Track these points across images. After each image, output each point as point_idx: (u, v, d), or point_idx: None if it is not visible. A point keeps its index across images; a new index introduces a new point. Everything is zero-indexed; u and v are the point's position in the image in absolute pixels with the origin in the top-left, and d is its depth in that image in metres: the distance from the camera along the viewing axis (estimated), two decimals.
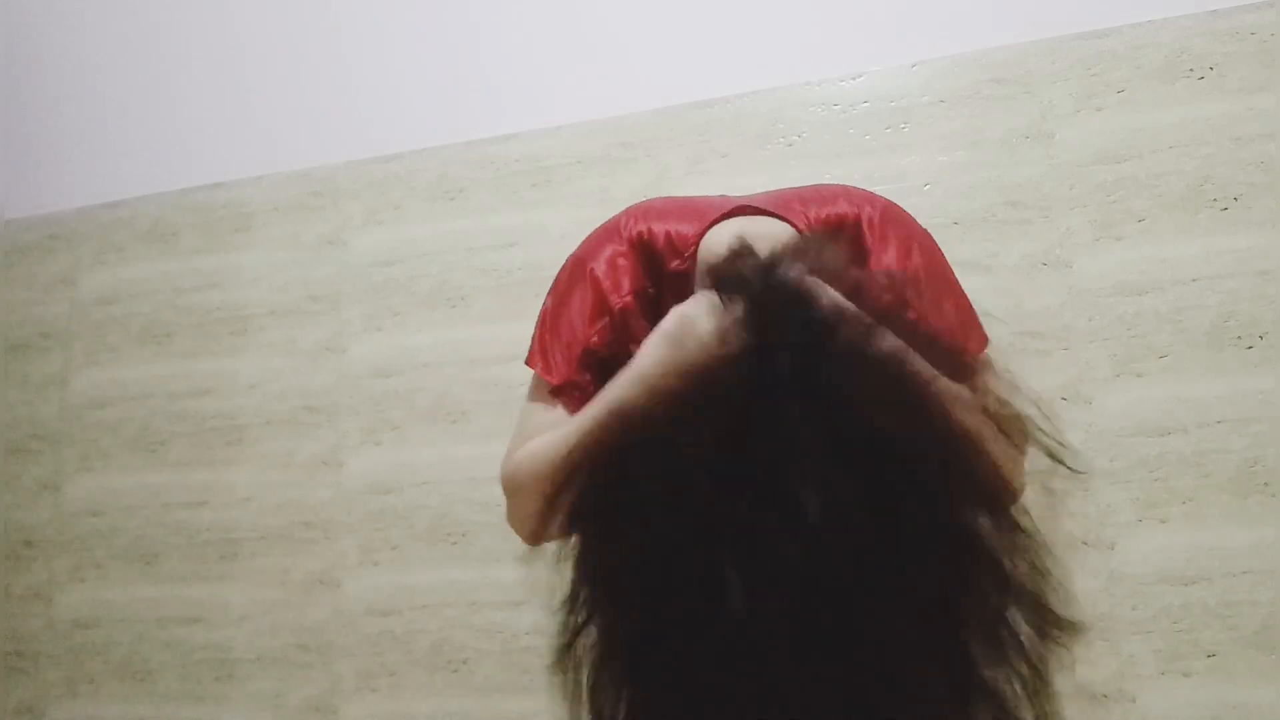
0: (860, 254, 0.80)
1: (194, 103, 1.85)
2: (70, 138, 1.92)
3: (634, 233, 0.83)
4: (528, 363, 0.84)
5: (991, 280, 1.38)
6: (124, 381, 1.79)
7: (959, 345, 0.76)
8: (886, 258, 0.80)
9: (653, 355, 0.63)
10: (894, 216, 0.84)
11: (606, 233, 0.85)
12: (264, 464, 1.68)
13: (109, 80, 1.91)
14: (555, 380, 0.80)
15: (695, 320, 0.60)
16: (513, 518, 0.82)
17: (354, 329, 1.68)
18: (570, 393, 0.80)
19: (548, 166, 1.62)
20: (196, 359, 1.75)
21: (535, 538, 0.79)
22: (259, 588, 1.65)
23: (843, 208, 0.82)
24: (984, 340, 0.83)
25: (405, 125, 1.72)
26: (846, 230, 0.81)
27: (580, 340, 0.80)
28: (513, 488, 0.80)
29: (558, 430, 0.75)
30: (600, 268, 0.82)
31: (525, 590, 1.52)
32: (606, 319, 0.81)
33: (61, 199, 1.90)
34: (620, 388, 0.65)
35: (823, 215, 0.81)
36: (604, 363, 0.79)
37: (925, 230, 0.86)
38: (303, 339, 1.70)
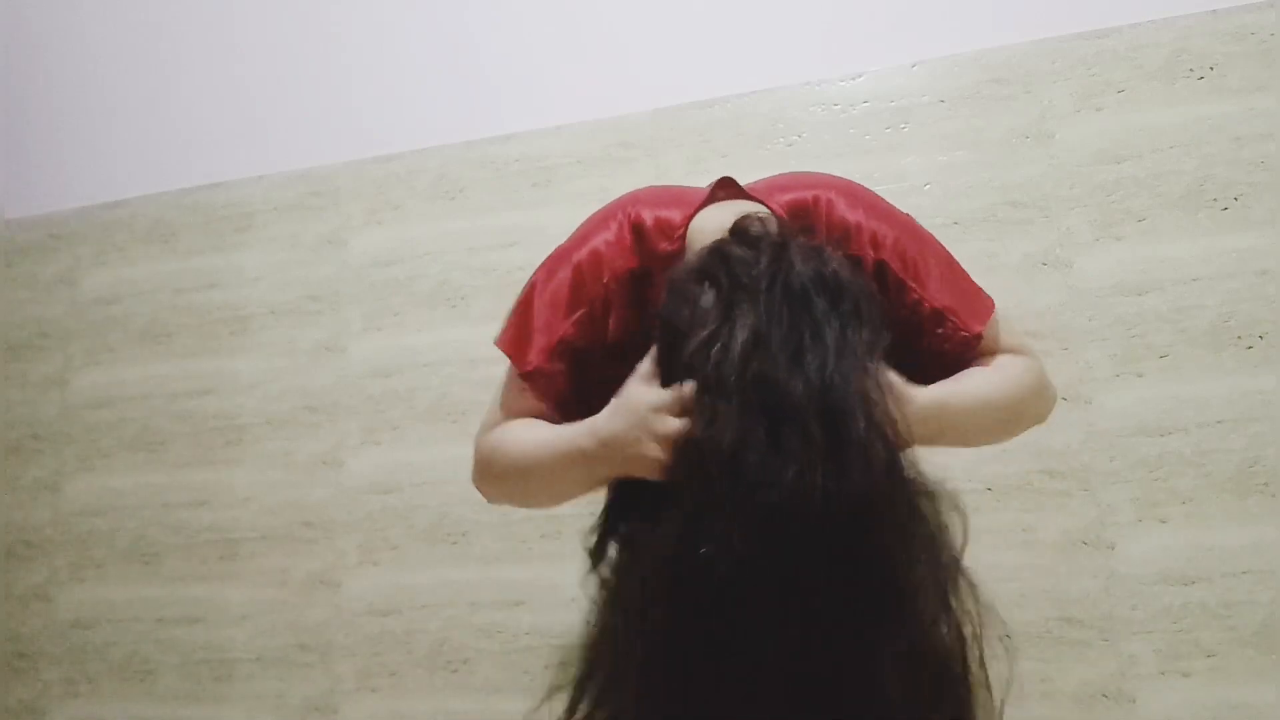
0: (831, 233, 0.81)
1: (194, 103, 1.85)
2: (70, 138, 1.92)
3: (624, 219, 0.84)
4: (497, 342, 0.86)
5: (991, 280, 1.37)
6: (124, 381, 1.79)
7: (963, 325, 0.81)
8: (864, 237, 0.81)
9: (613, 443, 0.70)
10: (865, 199, 0.84)
11: (594, 224, 0.86)
12: (264, 464, 1.68)
13: (109, 80, 1.91)
14: (525, 368, 0.83)
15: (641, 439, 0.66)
16: (479, 481, 0.88)
17: (354, 329, 1.68)
18: (539, 380, 0.83)
19: (548, 166, 1.62)
20: (196, 359, 1.75)
21: (493, 501, 0.89)
22: (259, 588, 1.65)
23: (809, 192, 0.83)
24: (989, 309, 0.86)
25: (405, 125, 1.72)
26: (810, 213, 0.82)
27: (556, 331, 0.82)
28: (484, 463, 0.87)
29: (537, 436, 0.80)
30: (584, 258, 0.83)
31: (525, 590, 1.52)
32: (584, 309, 0.81)
33: (61, 199, 1.90)
34: (584, 439, 0.73)
35: (785, 200, 0.82)
36: (578, 353, 0.81)
37: (907, 214, 0.87)
38: (303, 339, 1.70)
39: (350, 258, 1.70)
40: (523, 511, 1.51)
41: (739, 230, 0.70)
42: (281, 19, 1.82)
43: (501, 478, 0.85)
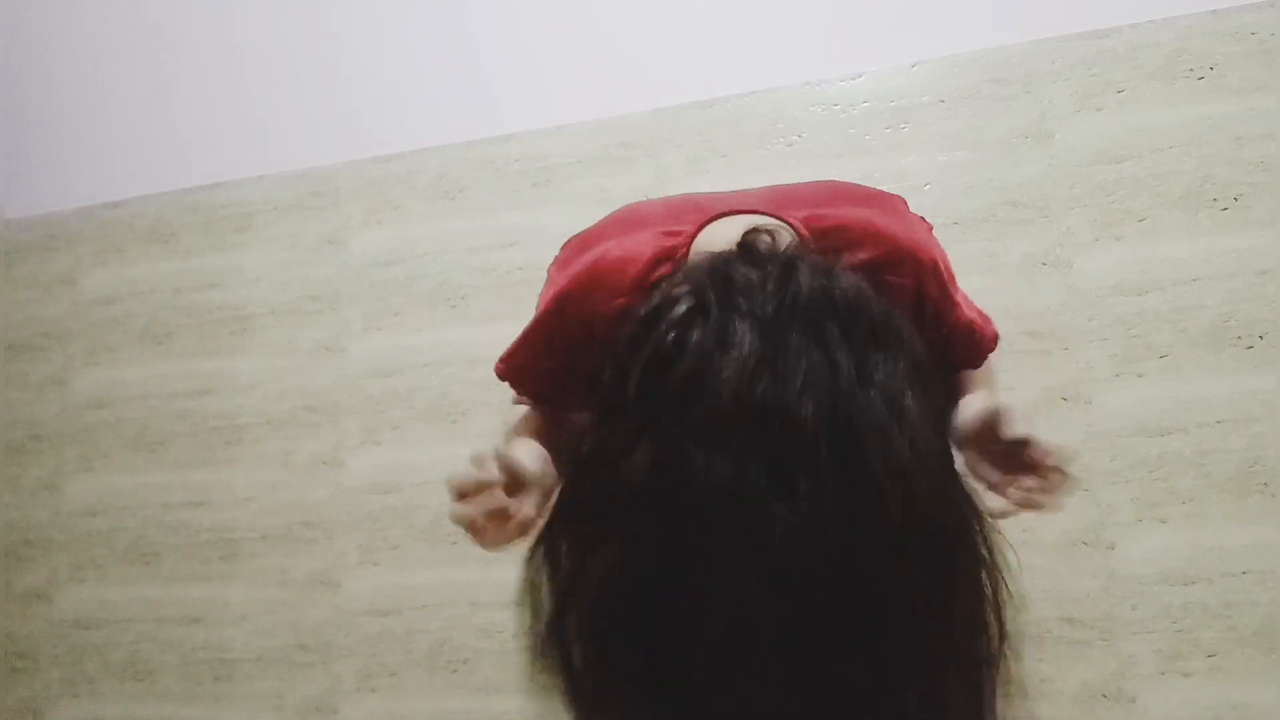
0: (872, 257, 0.78)
1: (194, 103, 1.85)
2: (70, 138, 1.92)
3: (625, 234, 0.81)
4: (495, 369, 0.90)
5: (991, 280, 1.38)
6: (124, 381, 1.79)
7: (985, 331, 0.84)
8: (906, 257, 0.79)
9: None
10: (895, 211, 0.83)
11: (597, 236, 0.83)
12: (264, 464, 1.68)
13: (109, 80, 1.91)
14: (504, 382, 0.90)
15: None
16: None
17: (354, 329, 1.68)
18: (517, 389, 0.91)
19: (548, 166, 1.62)
20: (196, 359, 1.75)
21: None
22: (259, 588, 1.65)
23: (834, 209, 0.80)
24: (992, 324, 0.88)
25: (405, 125, 1.72)
26: (848, 235, 0.78)
27: (541, 368, 0.86)
28: None
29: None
30: (579, 276, 0.80)
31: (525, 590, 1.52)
32: (571, 334, 0.80)
33: (61, 199, 1.90)
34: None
35: (813, 216, 0.79)
36: (563, 385, 0.82)
37: (927, 222, 0.87)
38: (303, 339, 1.70)
39: (350, 258, 1.70)
40: None
41: (745, 246, 0.65)
42: (281, 19, 1.82)
43: None
